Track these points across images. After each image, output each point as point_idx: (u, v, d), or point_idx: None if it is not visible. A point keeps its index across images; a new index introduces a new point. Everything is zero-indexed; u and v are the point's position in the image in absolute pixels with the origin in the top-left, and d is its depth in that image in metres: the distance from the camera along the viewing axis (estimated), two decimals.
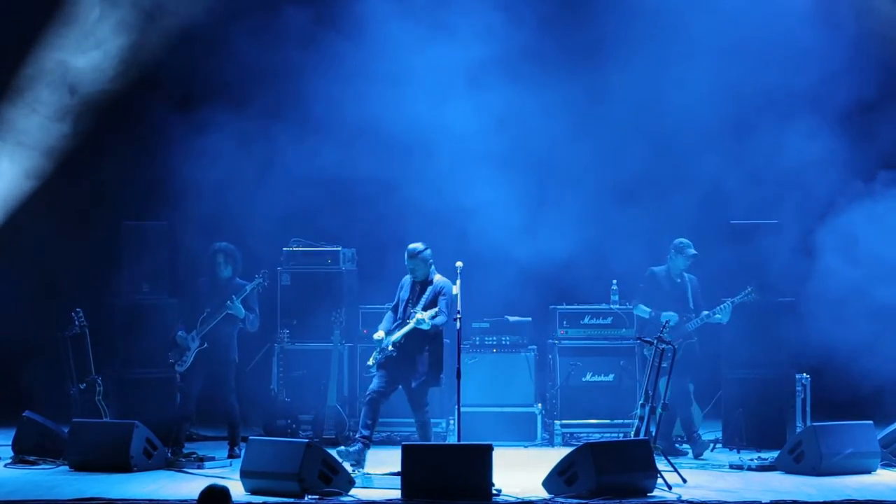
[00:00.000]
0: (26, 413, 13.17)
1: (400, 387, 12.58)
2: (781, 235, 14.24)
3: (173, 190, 15.00)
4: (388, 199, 15.20)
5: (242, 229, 14.71)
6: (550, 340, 14.62)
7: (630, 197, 15.39)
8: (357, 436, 12.55)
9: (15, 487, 11.54)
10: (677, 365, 12.52)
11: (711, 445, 13.72)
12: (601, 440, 13.41)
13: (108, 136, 15.63)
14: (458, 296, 12.11)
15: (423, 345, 12.47)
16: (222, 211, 14.95)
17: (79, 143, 15.18)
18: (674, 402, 12.99)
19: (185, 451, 12.99)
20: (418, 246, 12.59)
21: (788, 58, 14.69)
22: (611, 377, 14.47)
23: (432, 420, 12.94)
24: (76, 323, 13.85)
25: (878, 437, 12.56)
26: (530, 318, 14.74)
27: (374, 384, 12.54)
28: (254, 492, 11.16)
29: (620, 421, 14.08)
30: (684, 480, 11.79)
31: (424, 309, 12.42)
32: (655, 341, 12.43)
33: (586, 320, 14.63)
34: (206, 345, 13.17)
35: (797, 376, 13.20)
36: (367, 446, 12.44)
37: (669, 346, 12.36)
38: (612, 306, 14.60)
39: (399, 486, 11.04)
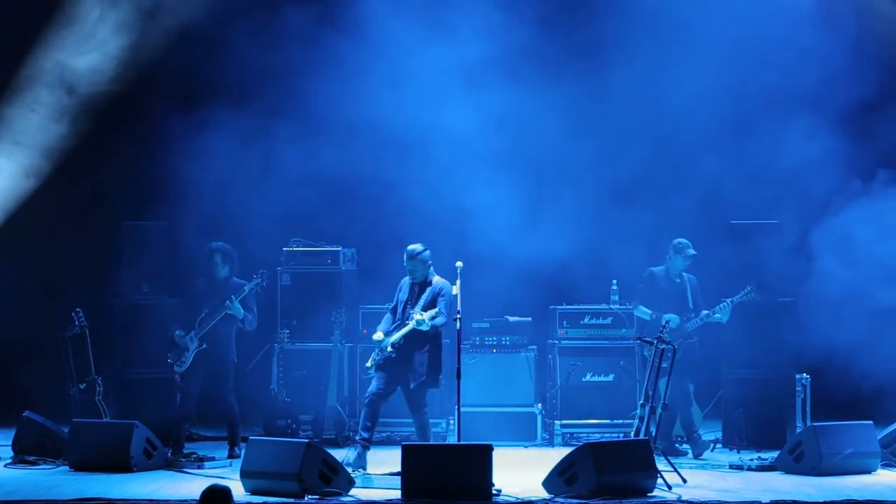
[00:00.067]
0: (26, 413, 13.17)
1: (399, 388, 12.57)
2: (781, 235, 14.25)
3: (173, 190, 15.00)
4: (389, 198, 15.20)
5: (242, 229, 14.72)
6: (550, 340, 14.62)
7: (630, 197, 15.38)
8: (357, 438, 12.54)
9: (15, 487, 11.54)
10: (677, 365, 12.52)
11: (711, 445, 13.72)
12: (601, 440, 13.42)
13: (108, 136, 15.64)
14: (458, 296, 12.11)
15: (422, 346, 12.46)
16: (222, 211, 14.95)
17: (78, 143, 15.18)
18: (674, 402, 12.98)
19: (185, 451, 12.99)
20: (417, 247, 12.59)
21: (788, 58, 14.69)
22: (611, 377, 14.47)
23: (432, 420, 12.95)
24: (76, 323, 13.85)
25: (878, 437, 12.56)
26: (530, 318, 14.74)
27: (373, 386, 12.53)
28: (254, 492, 11.16)
29: (620, 421, 14.08)
30: (684, 480, 11.79)
31: (423, 310, 12.41)
32: (655, 341, 12.43)
33: (586, 320, 14.63)
34: (204, 345, 13.17)
35: (797, 376, 13.20)
36: (366, 448, 12.44)
37: (669, 346, 12.36)
38: (612, 306, 14.60)
39: (399, 486, 11.04)
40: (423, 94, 14.78)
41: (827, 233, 13.94)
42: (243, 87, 15.54)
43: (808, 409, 13.11)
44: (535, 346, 14.58)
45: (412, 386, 12.43)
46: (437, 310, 12.38)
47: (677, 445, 13.64)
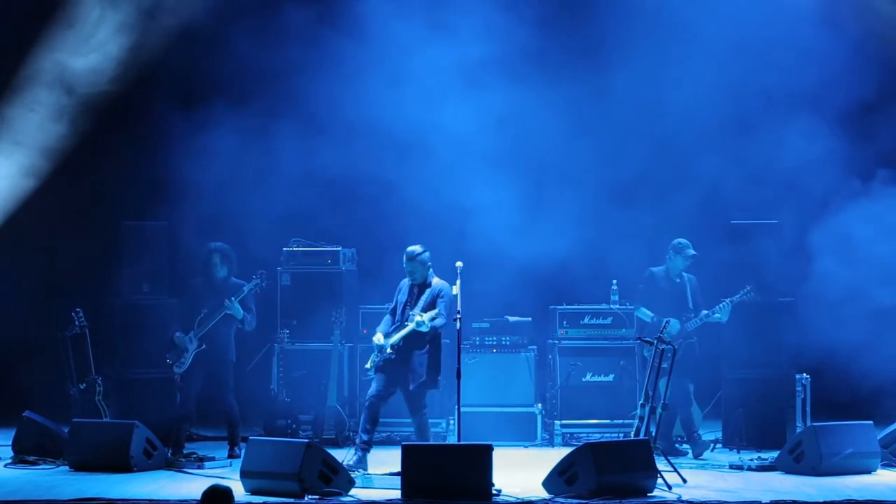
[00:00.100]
0: (26, 413, 13.17)
1: (398, 389, 12.56)
2: (781, 236, 14.25)
3: (173, 190, 15.01)
4: (389, 198, 15.19)
5: (242, 229, 14.72)
6: (550, 340, 14.62)
7: (630, 197, 15.38)
8: (357, 440, 12.54)
9: (15, 487, 11.54)
10: (677, 365, 12.52)
11: (711, 445, 13.72)
12: (601, 440, 13.41)
13: (108, 136, 15.64)
14: (458, 296, 12.10)
15: (422, 347, 12.45)
16: (222, 211, 14.95)
17: (78, 143, 15.18)
18: (674, 402, 12.98)
19: (185, 451, 12.99)
20: (417, 248, 12.58)
21: (788, 58, 14.69)
22: (611, 377, 14.47)
23: (432, 420, 12.94)
24: (76, 323, 13.84)
25: (878, 437, 12.56)
26: (530, 318, 14.74)
27: (373, 388, 12.52)
28: (254, 492, 11.16)
29: (620, 421, 14.08)
30: (684, 480, 11.79)
31: (423, 311, 12.40)
32: (655, 342, 12.43)
33: (586, 320, 14.63)
34: (203, 346, 13.17)
35: (797, 376, 13.19)
36: (367, 451, 12.43)
37: (669, 346, 12.36)
38: (612, 306, 14.60)
39: (399, 486, 11.04)
40: (424, 94, 14.78)
41: (827, 233, 13.94)
42: (243, 87, 15.54)
43: (808, 409, 13.10)
44: (535, 346, 14.57)
45: (411, 387, 12.42)
46: (436, 311, 12.37)
47: (677, 445, 13.64)
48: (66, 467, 12.53)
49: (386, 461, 12.26)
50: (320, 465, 11.06)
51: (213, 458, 12.76)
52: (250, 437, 11.99)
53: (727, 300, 13.51)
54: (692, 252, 13.60)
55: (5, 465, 12.76)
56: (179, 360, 13.19)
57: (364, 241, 15.35)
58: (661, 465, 11.67)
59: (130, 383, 14.38)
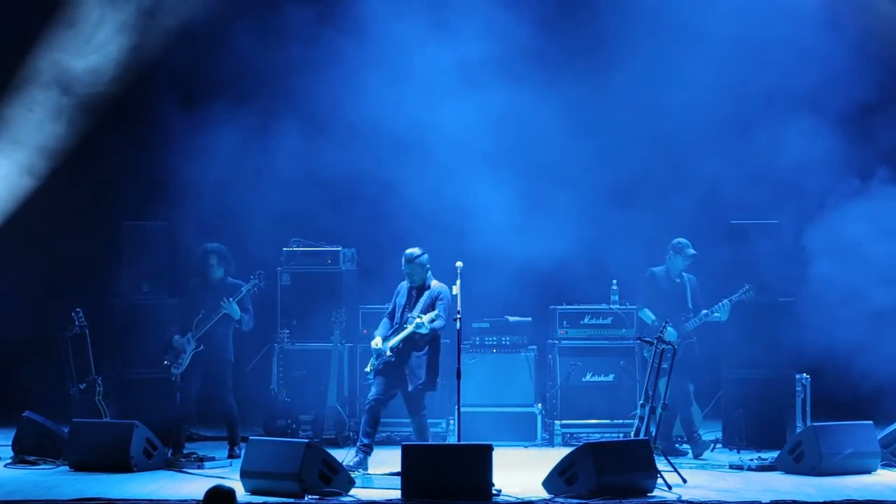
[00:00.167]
0: (26, 413, 13.17)
1: (398, 391, 12.56)
2: (781, 236, 14.25)
3: (173, 190, 15.01)
4: (389, 198, 15.19)
5: (242, 229, 14.72)
6: (550, 340, 14.62)
7: (629, 197, 15.39)
8: (357, 444, 12.53)
9: (15, 487, 11.54)
10: (677, 365, 12.52)
11: (711, 445, 13.72)
12: (601, 440, 13.42)
13: (107, 136, 15.64)
14: (458, 296, 12.10)
15: (420, 349, 12.45)
16: (222, 211, 14.95)
17: (78, 143, 15.18)
18: (674, 402, 12.99)
19: (185, 451, 12.99)
20: (415, 251, 12.58)
21: (789, 58, 14.69)
22: (611, 377, 14.47)
23: (432, 420, 12.95)
24: (76, 323, 13.84)
25: (878, 437, 12.56)
26: (530, 318, 14.74)
27: (373, 392, 12.52)
28: (254, 492, 11.16)
29: (620, 421, 14.08)
30: (684, 480, 11.79)
31: (422, 313, 12.39)
32: (655, 342, 12.43)
33: (586, 320, 14.63)
34: (201, 346, 13.17)
35: (797, 376, 13.18)
36: (367, 454, 12.43)
37: (669, 346, 12.36)
38: (612, 306, 14.60)
39: (399, 487, 11.04)
40: (424, 94, 14.78)
41: (826, 233, 13.94)
42: (243, 87, 15.54)
43: (808, 409, 13.09)
44: (535, 346, 14.57)
45: (410, 389, 12.42)
46: (436, 312, 12.37)
47: (677, 445, 13.64)
48: (66, 467, 12.53)
49: (386, 461, 12.26)
50: (320, 465, 11.06)
51: (213, 458, 12.76)
52: (250, 437, 12.00)
53: (726, 300, 13.52)
54: (692, 252, 13.61)
55: (5, 465, 12.76)
56: (177, 362, 13.19)
57: (364, 241, 15.35)
58: (661, 465, 11.67)
59: (130, 383, 14.38)
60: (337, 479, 11.13)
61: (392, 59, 14.96)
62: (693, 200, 15.02)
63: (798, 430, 12.93)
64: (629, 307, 14.38)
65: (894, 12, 14.87)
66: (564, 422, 14.38)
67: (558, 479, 11.16)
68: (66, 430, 12.83)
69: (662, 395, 12.55)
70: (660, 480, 11.43)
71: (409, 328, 12.37)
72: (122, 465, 12.22)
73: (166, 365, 13.24)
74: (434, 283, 12.56)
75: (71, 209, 15.94)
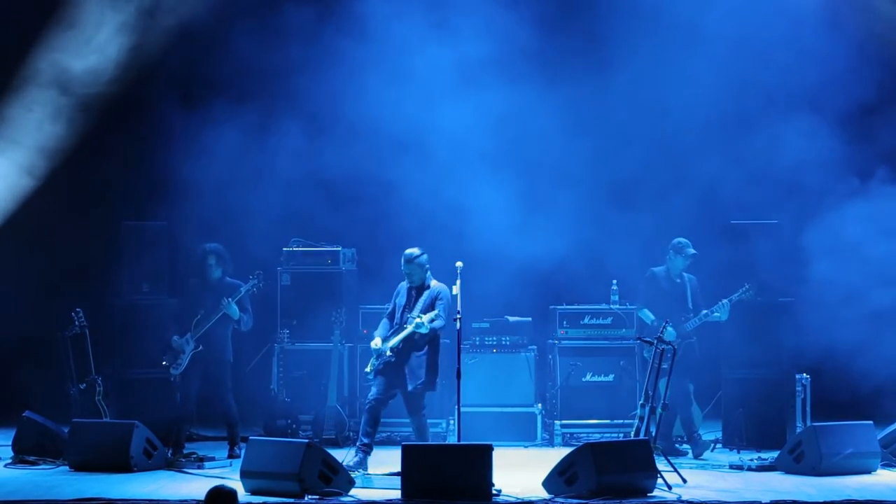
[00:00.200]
0: (26, 413, 13.17)
1: (398, 392, 12.56)
2: (780, 236, 14.25)
3: (173, 190, 15.01)
4: (389, 198, 15.19)
5: (242, 229, 14.73)
6: (550, 340, 14.62)
7: (629, 197, 15.39)
8: (357, 444, 12.53)
9: (15, 487, 11.54)
10: (677, 365, 12.52)
11: (711, 445, 13.72)
12: (601, 440, 13.42)
13: (107, 136, 15.63)
14: (458, 296, 12.10)
15: (420, 349, 12.45)
16: (222, 211, 14.96)
17: (78, 143, 15.18)
18: (674, 402, 12.99)
19: (185, 451, 13.00)
20: (415, 251, 12.58)
21: (789, 58, 14.69)
22: (611, 377, 14.47)
23: (432, 420, 12.95)
24: (76, 323, 13.85)
25: (878, 437, 12.56)
26: (530, 318, 14.74)
27: (373, 392, 12.52)
28: (254, 492, 11.16)
29: (620, 421, 14.08)
30: (684, 480, 11.79)
31: (422, 313, 12.39)
32: (655, 342, 12.43)
33: (586, 320, 14.63)
34: (200, 347, 13.18)
35: (797, 376, 13.19)
36: (367, 454, 12.43)
37: (669, 346, 12.36)
38: (612, 306, 14.60)
39: (399, 487, 11.04)
40: (423, 94, 14.78)
41: (826, 233, 13.94)
42: (243, 87, 15.54)
43: (808, 409, 13.09)
44: (535, 346, 14.57)
45: (410, 389, 12.42)
46: (436, 312, 12.37)
47: (677, 445, 13.64)
48: (66, 467, 12.53)
49: (386, 461, 12.26)
50: (320, 465, 11.07)
51: (213, 458, 12.76)
52: (250, 437, 12.00)
53: (726, 300, 13.52)
54: (692, 251, 13.61)
55: (5, 465, 12.76)
56: (176, 362, 13.20)
57: (364, 241, 15.35)
58: (661, 465, 11.67)
59: (130, 383, 14.38)
60: (337, 479, 11.13)
61: (392, 59, 14.96)
62: (693, 200, 15.01)
63: (798, 430, 12.93)
64: (629, 307, 14.39)
65: (894, 12, 14.87)
66: (564, 422, 14.38)
67: (558, 479, 11.16)
68: (66, 430, 12.83)
69: (662, 395, 12.55)
70: (660, 480, 11.43)
71: (409, 328, 12.38)
72: (122, 465, 12.22)
73: (165, 365, 13.25)
74: (434, 283, 12.56)
75: (71, 209, 15.93)
